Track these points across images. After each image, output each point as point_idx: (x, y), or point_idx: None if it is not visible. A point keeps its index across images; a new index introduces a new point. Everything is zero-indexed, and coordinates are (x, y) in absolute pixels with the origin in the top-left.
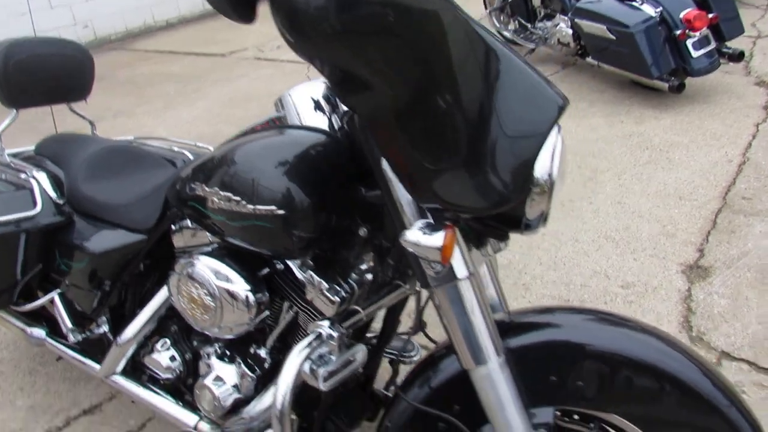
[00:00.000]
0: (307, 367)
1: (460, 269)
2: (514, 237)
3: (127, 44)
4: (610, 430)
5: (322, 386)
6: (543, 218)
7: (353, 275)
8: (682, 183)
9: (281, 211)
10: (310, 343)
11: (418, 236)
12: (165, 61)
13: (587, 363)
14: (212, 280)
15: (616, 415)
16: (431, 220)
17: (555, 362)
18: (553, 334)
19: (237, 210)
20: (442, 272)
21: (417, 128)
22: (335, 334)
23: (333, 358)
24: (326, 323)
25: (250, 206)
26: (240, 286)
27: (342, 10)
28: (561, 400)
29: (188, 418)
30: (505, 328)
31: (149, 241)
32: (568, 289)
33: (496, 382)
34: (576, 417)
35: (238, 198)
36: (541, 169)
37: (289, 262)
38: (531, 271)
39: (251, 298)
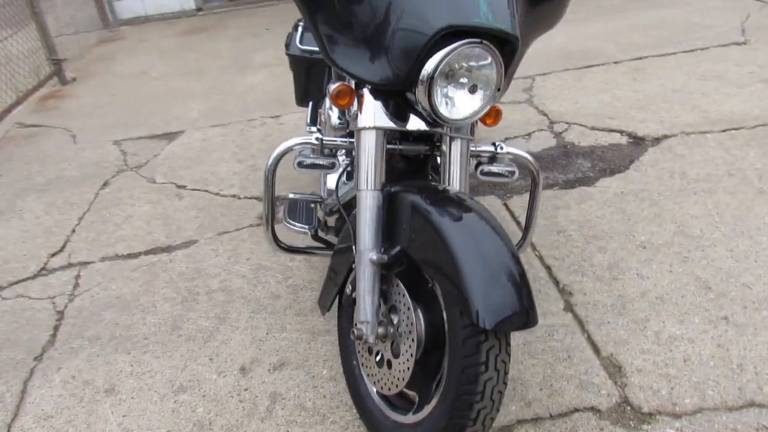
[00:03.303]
0: (296, 154)
1: (362, 120)
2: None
3: None
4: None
5: (294, 166)
6: (432, 108)
7: None
8: None
9: None
10: (304, 142)
11: (330, 88)
12: None
13: (425, 226)
14: None
15: (436, 283)
16: (345, 82)
17: (413, 218)
18: (426, 206)
19: None
20: (352, 119)
21: (323, 11)
22: (316, 142)
23: (311, 155)
24: (318, 135)
25: None
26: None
27: None
28: (404, 243)
29: None
30: (433, 193)
31: None
32: (690, 277)
33: (365, 204)
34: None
35: None
36: (427, 69)
37: None
38: (669, 242)
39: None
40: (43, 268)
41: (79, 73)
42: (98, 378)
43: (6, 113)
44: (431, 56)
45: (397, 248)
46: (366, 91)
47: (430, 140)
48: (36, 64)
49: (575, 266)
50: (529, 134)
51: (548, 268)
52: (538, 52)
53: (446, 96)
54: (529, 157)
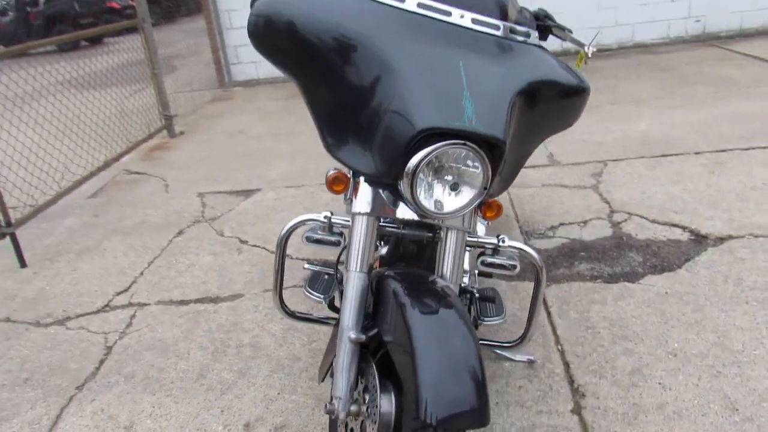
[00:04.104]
0: (306, 229)
1: (356, 206)
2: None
3: (725, 43)
4: None
5: (303, 240)
6: (415, 201)
7: None
8: None
9: None
10: (314, 219)
11: (327, 174)
12: (740, 65)
13: (397, 314)
14: None
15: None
16: (341, 169)
17: (391, 304)
18: (404, 295)
19: None
20: (348, 204)
21: (323, 105)
22: (324, 220)
23: (319, 232)
24: (328, 213)
25: None
26: None
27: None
28: (382, 326)
29: None
30: (417, 283)
31: None
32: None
33: (351, 285)
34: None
35: None
36: (411, 165)
37: None
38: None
39: None
40: (107, 305)
41: (188, 128)
42: (122, 414)
43: (115, 160)
44: (417, 152)
45: (375, 330)
46: (362, 179)
47: (432, 227)
48: (150, 118)
49: (595, 366)
50: (585, 222)
51: (567, 365)
52: (617, 137)
53: (430, 192)
54: (534, 254)
